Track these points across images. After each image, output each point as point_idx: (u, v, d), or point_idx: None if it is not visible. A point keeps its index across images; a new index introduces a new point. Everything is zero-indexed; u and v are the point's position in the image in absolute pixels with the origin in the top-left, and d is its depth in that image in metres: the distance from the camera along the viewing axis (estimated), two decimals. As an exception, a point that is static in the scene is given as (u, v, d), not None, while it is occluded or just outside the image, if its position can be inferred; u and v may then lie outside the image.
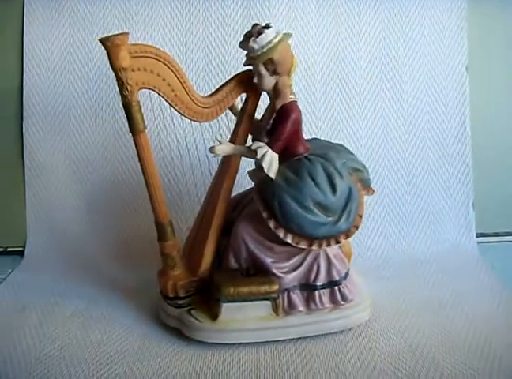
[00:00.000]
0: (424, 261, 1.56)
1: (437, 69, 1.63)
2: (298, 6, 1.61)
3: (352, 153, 1.28)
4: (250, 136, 1.28)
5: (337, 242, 1.17)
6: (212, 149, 1.17)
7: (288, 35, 1.16)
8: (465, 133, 1.64)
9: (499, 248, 1.66)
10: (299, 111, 1.17)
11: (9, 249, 1.68)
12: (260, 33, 1.12)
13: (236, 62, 1.57)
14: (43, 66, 1.64)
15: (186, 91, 1.18)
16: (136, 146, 1.17)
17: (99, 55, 1.61)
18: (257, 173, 1.21)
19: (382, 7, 1.62)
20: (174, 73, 1.16)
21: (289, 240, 1.16)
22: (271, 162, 1.15)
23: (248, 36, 1.15)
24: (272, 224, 1.16)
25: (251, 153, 1.17)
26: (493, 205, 1.69)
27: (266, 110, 1.25)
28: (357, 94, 1.64)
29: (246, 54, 1.18)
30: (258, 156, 1.15)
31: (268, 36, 1.13)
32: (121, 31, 1.12)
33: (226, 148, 1.19)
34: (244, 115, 1.27)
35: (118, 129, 1.64)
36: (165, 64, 1.15)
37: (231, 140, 1.27)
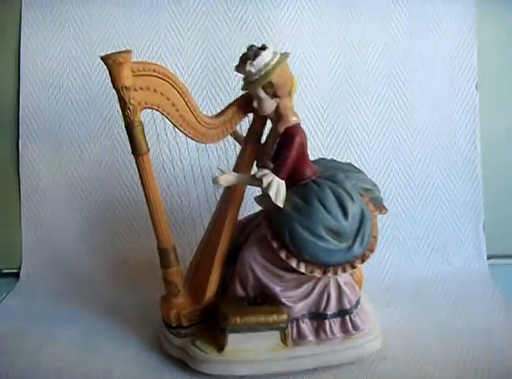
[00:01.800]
0: (435, 284, 1.51)
1: (446, 87, 1.59)
2: (304, 19, 1.57)
3: (360, 171, 1.24)
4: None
5: (353, 268, 1.11)
6: (215, 180, 1.12)
7: (285, 56, 1.10)
8: (475, 152, 1.60)
9: (510, 270, 1.60)
10: (304, 133, 1.12)
11: (4, 272, 1.61)
12: (256, 55, 1.07)
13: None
14: (41, 81, 1.59)
15: (191, 111, 1.13)
16: (138, 168, 1.12)
17: (98, 70, 1.57)
18: (265, 200, 1.15)
19: (389, 22, 1.57)
20: (178, 92, 1.11)
21: (302, 269, 1.10)
22: (278, 190, 1.10)
23: (244, 59, 1.09)
24: (283, 254, 1.10)
25: (256, 182, 1.11)
26: (503, 227, 1.64)
27: (269, 135, 1.20)
28: (365, 111, 1.59)
29: (244, 79, 1.12)
30: (264, 185, 1.10)
31: (265, 58, 1.07)
32: (122, 48, 1.07)
33: (229, 178, 1.13)
34: (251, 136, 1.22)
35: (117, 147, 1.59)
36: (169, 82, 1.10)
37: (238, 164, 1.23)
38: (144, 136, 1.10)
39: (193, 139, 1.16)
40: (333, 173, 1.17)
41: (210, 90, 1.58)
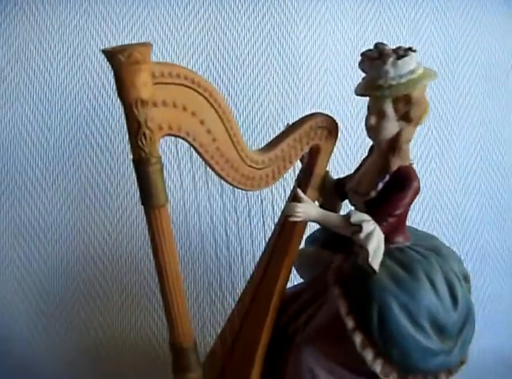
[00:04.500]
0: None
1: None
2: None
3: (451, 250, 0.90)
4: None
5: None
6: (290, 209, 0.81)
7: (434, 73, 0.81)
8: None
9: None
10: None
11: None
12: (403, 55, 0.78)
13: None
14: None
15: (232, 142, 0.75)
16: (150, 225, 0.71)
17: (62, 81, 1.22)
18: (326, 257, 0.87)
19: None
20: (217, 113, 0.73)
21: (377, 368, 0.78)
22: (378, 246, 0.78)
23: (377, 55, 0.78)
24: (358, 338, 0.78)
25: (350, 228, 0.79)
26: None
27: (361, 165, 0.89)
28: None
29: (368, 80, 0.81)
30: (363, 235, 0.78)
31: (411, 63, 0.78)
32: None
33: (312, 211, 0.81)
34: (312, 178, 0.87)
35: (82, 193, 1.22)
36: (205, 97, 0.71)
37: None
38: (163, 180, 0.70)
39: (231, 184, 0.78)
40: (435, 244, 0.87)
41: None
